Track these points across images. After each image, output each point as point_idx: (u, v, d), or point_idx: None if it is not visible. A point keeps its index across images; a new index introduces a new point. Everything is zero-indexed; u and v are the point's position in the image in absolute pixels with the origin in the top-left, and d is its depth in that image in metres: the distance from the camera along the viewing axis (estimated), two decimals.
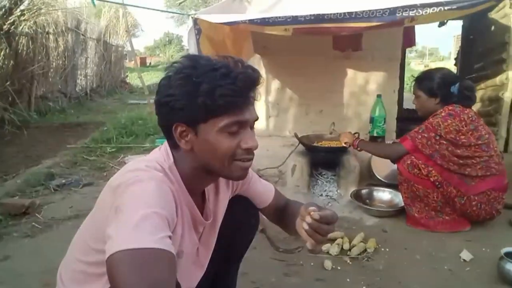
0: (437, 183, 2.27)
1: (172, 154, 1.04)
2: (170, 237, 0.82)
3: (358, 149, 2.67)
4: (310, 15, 2.22)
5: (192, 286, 1.20)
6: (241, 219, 1.33)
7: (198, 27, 2.35)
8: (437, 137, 2.24)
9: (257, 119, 1.02)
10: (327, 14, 2.20)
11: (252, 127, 1.02)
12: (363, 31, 2.96)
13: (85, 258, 1.00)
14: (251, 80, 0.96)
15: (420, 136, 2.28)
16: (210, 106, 0.92)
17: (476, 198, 2.26)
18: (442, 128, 2.23)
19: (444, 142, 2.24)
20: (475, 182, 2.26)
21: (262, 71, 3.65)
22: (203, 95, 0.92)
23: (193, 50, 2.34)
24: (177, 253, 1.00)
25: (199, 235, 1.15)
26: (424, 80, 2.43)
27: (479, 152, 2.26)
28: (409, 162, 2.31)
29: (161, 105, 0.98)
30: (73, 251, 1.07)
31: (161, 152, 1.05)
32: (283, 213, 1.32)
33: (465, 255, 2.06)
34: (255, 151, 1.02)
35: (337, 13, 2.19)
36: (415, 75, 2.60)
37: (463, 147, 2.25)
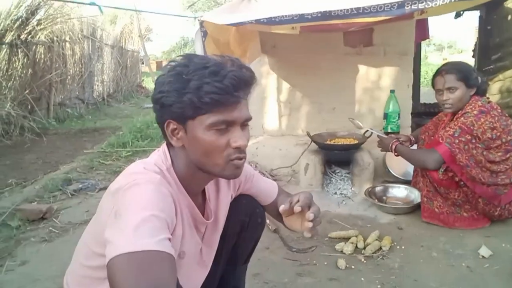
0: (461, 182, 2.20)
1: (170, 155, 1.04)
2: (169, 239, 0.82)
3: (396, 154, 2.52)
4: (317, 12, 2.19)
5: (197, 286, 1.20)
6: (248, 219, 1.33)
7: (204, 29, 2.35)
8: (473, 140, 2.15)
9: (249, 118, 1.01)
10: (334, 10, 2.17)
11: (244, 126, 1.00)
12: (372, 26, 2.91)
13: (89, 263, 1.01)
14: (241, 79, 0.95)
15: (457, 141, 2.15)
16: (196, 103, 0.92)
17: None
18: (476, 128, 2.14)
19: (479, 146, 2.16)
20: (507, 189, 2.19)
21: (270, 71, 3.63)
22: (190, 92, 0.92)
23: (199, 53, 2.35)
24: (178, 254, 1.02)
25: (201, 235, 1.16)
26: (463, 70, 2.29)
27: (510, 150, 2.19)
28: (443, 170, 2.22)
29: (154, 102, 1.00)
30: (77, 256, 1.08)
31: (160, 154, 1.06)
32: None
33: (484, 251, 2.00)
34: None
35: (344, 9, 2.15)
36: (434, 69, 2.52)
37: (495, 147, 2.18)
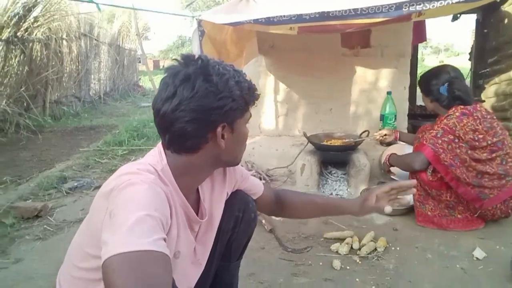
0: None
1: (166, 155, 1.04)
2: (164, 239, 0.82)
3: (390, 164, 2.67)
4: (315, 13, 2.20)
5: (191, 285, 1.20)
6: (241, 214, 1.34)
7: (202, 28, 2.35)
8: (456, 140, 2.19)
9: None
10: (332, 11, 2.17)
11: None
12: (369, 27, 2.92)
13: (83, 264, 1.00)
14: None
15: (440, 141, 2.20)
16: (248, 102, 1.05)
17: None
18: (459, 129, 2.18)
19: (463, 145, 2.19)
20: (493, 194, 2.20)
21: (268, 71, 3.64)
22: (246, 92, 1.03)
23: (196, 52, 2.35)
24: (174, 253, 1.01)
25: (195, 234, 1.16)
26: (421, 81, 2.48)
27: (495, 151, 2.20)
28: (430, 171, 2.26)
29: (208, 111, 0.98)
30: (70, 257, 1.07)
31: (155, 154, 1.05)
32: (294, 202, 1.47)
33: (478, 253, 2.01)
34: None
35: (342, 10, 2.16)
36: None
37: (481, 148, 2.20)
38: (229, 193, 1.29)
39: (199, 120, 0.97)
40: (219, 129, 1.00)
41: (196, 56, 1.02)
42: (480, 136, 2.19)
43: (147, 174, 0.95)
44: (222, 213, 1.26)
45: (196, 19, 2.30)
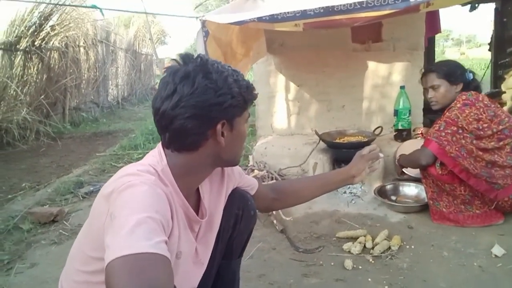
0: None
1: (166, 155, 1.04)
2: (165, 242, 0.81)
3: (402, 166, 2.63)
4: (319, 8, 2.15)
5: (194, 285, 1.19)
6: (241, 212, 1.34)
7: (206, 29, 2.34)
8: (460, 131, 2.15)
9: None
10: (337, 5, 2.12)
11: None
12: (378, 21, 2.85)
13: (85, 268, 1.00)
14: None
15: (444, 134, 2.17)
16: (247, 100, 1.06)
17: None
18: (462, 119, 2.15)
19: (468, 136, 2.15)
20: (507, 184, 2.12)
21: (278, 70, 3.60)
22: (244, 91, 1.03)
23: (201, 52, 2.33)
24: (176, 254, 1.01)
25: (195, 234, 1.15)
26: (444, 68, 2.34)
27: (503, 139, 2.15)
28: (439, 164, 2.22)
29: (208, 107, 0.98)
30: (72, 261, 1.07)
31: (154, 155, 1.05)
32: (293, 186, 1.53)
33: (497, 250, 1.94)
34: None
35: (347, 4, 2.11)
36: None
37: (486, 137, 2.15)
38: (229, 191, 1.29)
39: (199, 117, 0.97)
40: (218, 126, 1.00)
41: (195, 55, 1.03)
42: (485, 125, 2.15)
43: (148, 175, 0.95)
44: (222, 212, 1.25)
45: (200, 19, 2.30)
